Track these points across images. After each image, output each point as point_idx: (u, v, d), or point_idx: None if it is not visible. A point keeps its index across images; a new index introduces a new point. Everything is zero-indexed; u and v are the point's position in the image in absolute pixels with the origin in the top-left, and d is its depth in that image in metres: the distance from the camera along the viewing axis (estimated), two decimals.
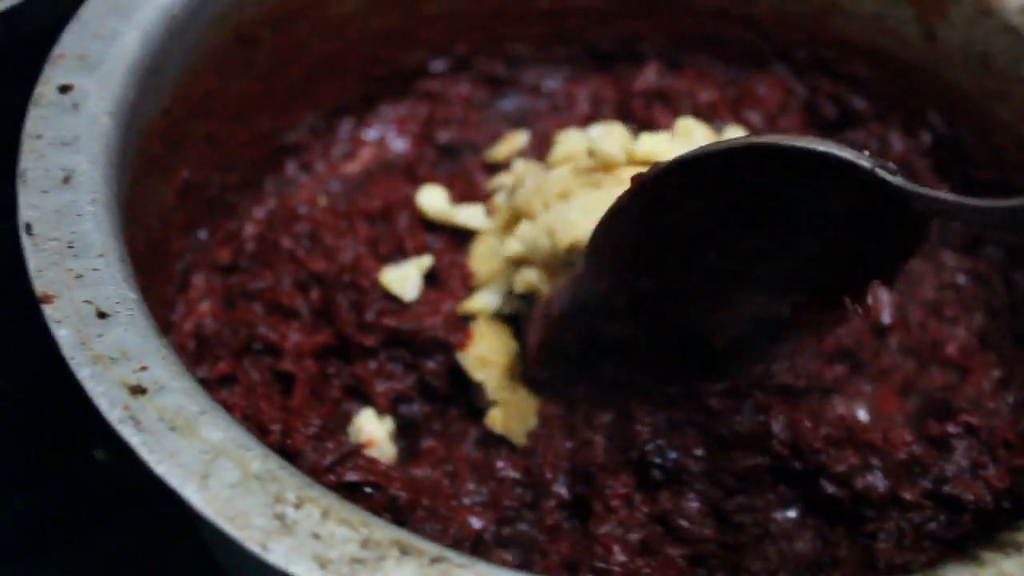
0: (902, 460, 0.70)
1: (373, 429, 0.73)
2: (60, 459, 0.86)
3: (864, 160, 0.55)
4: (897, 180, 0.54)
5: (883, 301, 0.79)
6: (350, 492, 0.67)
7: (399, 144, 0.89)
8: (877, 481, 0.68)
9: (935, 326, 0.79)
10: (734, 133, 0.86)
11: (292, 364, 0.74)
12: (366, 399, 0.75)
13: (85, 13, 0.68)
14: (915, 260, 0.82)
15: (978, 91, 0.81)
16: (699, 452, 0.70)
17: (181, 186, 0.75)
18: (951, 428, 0.72)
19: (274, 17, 0.79)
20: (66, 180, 0.59)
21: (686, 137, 0.78)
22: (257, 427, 0.70)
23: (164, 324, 0.72)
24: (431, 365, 0.75)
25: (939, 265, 0.83)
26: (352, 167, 0.87)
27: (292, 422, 0.70)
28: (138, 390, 0.51)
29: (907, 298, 0.81)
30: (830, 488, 0.68)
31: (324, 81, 0.85)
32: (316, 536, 0.48)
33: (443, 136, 0.89)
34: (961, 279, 0.83)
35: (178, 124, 0.73)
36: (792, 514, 0.69)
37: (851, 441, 0.70)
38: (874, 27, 0.86)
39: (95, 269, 0.56)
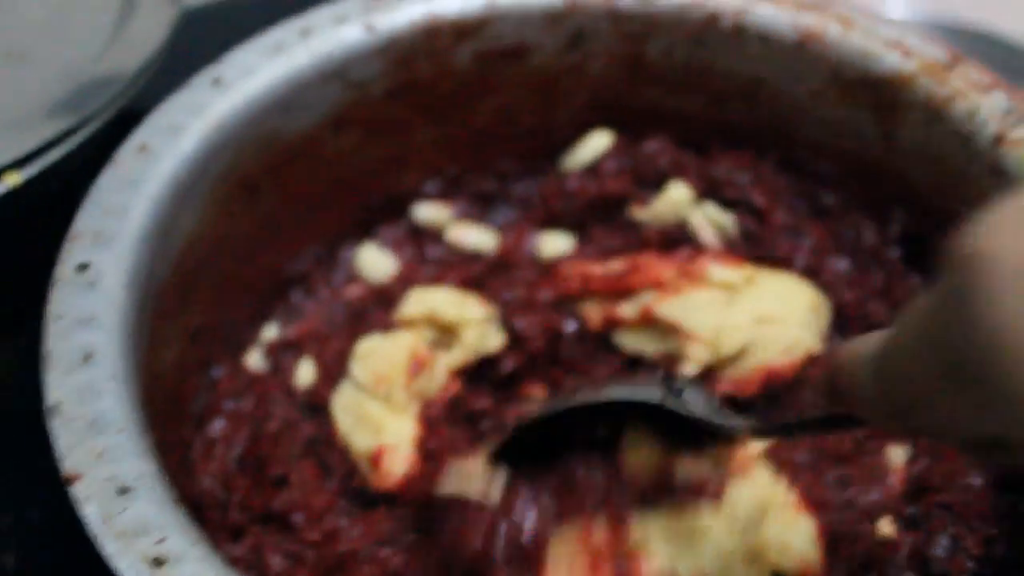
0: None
1: None
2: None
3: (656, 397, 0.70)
4: (688, 408, 0.69)
5: None
6: None
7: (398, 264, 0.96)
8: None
9: None
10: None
11: None
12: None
13: (98, 189, 0.75)
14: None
15: (936, 189, 0.86)
16: None
17: (193, 331, 0.81)
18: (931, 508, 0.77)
19: (274, 163, 0.86)
20: (86, 359, 0.66)
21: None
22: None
23: (185, 465, 0.79)
24: None
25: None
26: (354, 291, 0.93)
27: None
28: (158, 562, 0.57)
29: None
30: None
31: (324, 213, 0.92)
32: None
33: (434, 252, 0.96)
34: None
35: (188, 276, 0.79)
36: None
37: None
38: (836, 129, 0.91)
39: (117, 446, 0.62)
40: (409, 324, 0.87)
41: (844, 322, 0.90)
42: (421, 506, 0.77)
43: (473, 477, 0.74)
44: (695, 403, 0.70)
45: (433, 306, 0.87)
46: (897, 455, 0.82)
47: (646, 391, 0.71)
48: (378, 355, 0.84)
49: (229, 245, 0.84)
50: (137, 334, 0.70)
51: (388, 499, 0.80)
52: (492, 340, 0.87)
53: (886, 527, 0.76)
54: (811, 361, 0.85)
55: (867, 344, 0.52)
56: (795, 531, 0.74)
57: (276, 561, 0.75)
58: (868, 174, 0.91)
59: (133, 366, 0.68)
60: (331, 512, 0.78)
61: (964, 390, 0.43)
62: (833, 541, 0.74)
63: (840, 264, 0.93)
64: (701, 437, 0.71)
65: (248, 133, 0.82)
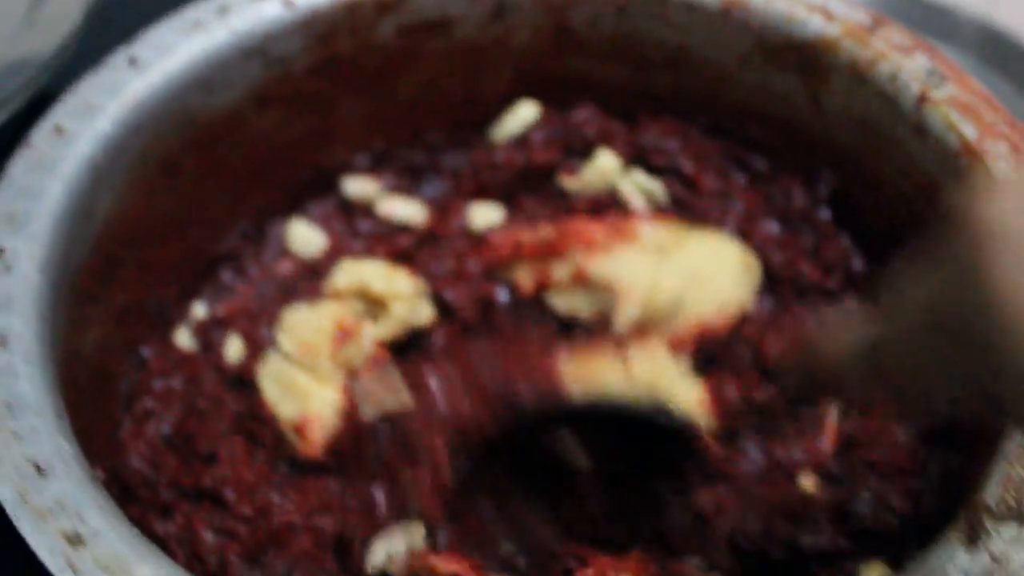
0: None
1: None
2: None
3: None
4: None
5: None
6: None
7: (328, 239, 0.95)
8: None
9: None
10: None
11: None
12: None
13: (12, 171, 0.74)
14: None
15: (863, 150, 0.87)
16: None
17: (118, 311, 0.81)
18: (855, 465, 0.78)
19: (196, 142, 0.85)
20: (2, 343, 0.65)
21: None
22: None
23: (114, 444, 0.78)
24: None
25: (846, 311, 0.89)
26: (285, 267, 0.92)
27: None
28: (76, 540, 0.57)
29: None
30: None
31: (251, 191, 0.91)
32: None
33: (364, 226, 0.95)
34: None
35: (110, 257, 0.79)
36: None
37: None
38: (763, 94, 0.91)
39: (33, 428, 0.62)
40: (338, 296, 0.87)
41: (775, 284, 0.90)
42: (350, 454, 0.78)
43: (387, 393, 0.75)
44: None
45: (362, 278, 0.87)
46: (830, 413, 0.83)
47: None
48: (304, 324, 0.84)
49: (152, 225, 0.83)
50: (55, 317, 0.69)
51: (320, 468, 0.80)
52: (422, 314, 0.87)
53: (808, 482, 0.77)
54: (744, 319, 0.86)
55: (849, 329, 0.55)
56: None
57: (209, 537, 0.75)
58: (796, 137, 0.91)
59: (51, 348, 0.67)
60: (262, 486, 0.78)
61: (969, 356, 0.45)
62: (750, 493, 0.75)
63: (770, 227, 0.93)
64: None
65: (167, 112, 0.81)
